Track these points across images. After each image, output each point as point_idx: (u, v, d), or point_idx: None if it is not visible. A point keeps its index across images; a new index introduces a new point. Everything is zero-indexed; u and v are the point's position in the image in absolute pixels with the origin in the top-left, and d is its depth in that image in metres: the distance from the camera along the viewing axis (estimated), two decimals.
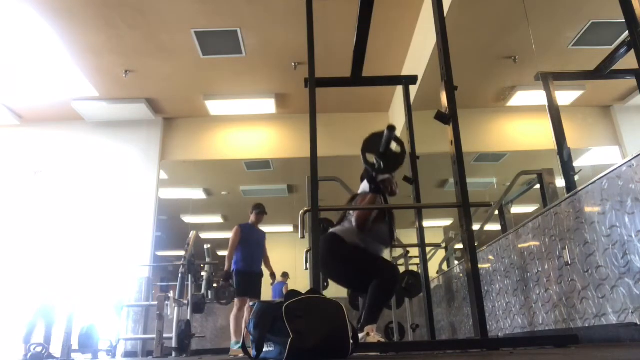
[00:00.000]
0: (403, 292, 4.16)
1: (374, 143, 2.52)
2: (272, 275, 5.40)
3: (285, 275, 6.97)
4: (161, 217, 6.77)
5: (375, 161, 2.54)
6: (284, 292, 6.55)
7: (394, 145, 2.56)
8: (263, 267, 5.30)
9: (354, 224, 2.69)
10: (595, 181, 2.07)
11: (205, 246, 6.08)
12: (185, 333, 4.71)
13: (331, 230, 2.78)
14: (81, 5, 4.72)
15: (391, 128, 2.30)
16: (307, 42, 2.54)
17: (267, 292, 5.59)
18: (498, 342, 2.03)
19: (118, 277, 6.13)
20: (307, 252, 4.17)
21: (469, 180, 2.13)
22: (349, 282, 2.84)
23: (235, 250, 5.06)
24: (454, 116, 2.16)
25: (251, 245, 5.09)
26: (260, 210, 5.25)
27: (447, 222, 7.70)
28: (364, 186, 2.83)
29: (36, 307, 4.74)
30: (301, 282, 6.89)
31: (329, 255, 2.63)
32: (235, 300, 4.93)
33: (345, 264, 2.66)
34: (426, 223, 3.37)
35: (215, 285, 6.00)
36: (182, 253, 5.05)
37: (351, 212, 2.76)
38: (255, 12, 4.93)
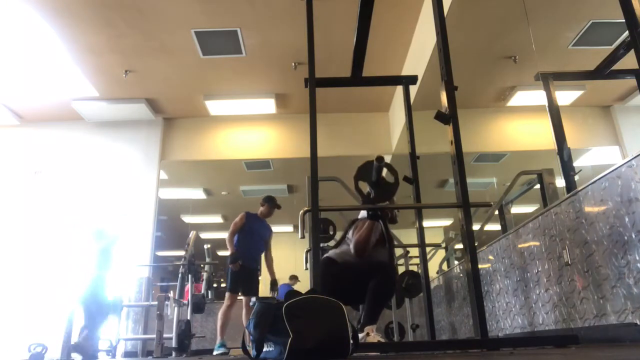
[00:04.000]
0: (403, 292, 4.16)
1: (367, 170, 2.45)
2: (274, 282, 4.78)
3: (293, 277, 6.93)
4: (161, 217, 6.76)
5: (369, 189, 2.51)
6: None
7: (386, 174, 2.52)
8: (263, 267, 4.80)
9: (352, 250, 2.65)
10: (595, 181, 2.07)
11: (205, 246, 6.09)
12: (185, 333, 4.70)
13: (327, 255, 2.74)
14: (81, 5, 4.72)
15: (379, 159, 2.27)
16: (307, 42, 2.54)
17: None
18: (498, 342, 2.03)
19: (118, 277, 6.12)
20: (307, 252, 4.17)
21: (469, 180, 2.13)
22: (347, 299, 2.76)
23: (235, 238, 4.60)
24: (454, 116, 2.16)
25: (253, 237, 4.67)
26: (273, 204, 4.80)
27: (447, 222, 7.70)
28: (364, 212, 2.80)
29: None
30: (301, 282, 6.90)
31: (322, 278, 2.52)
32: (226, 295, 4.50)
33: (339, 281, 2.55)
34: (426, 223, 3.37)
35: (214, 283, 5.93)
36: (182, 253, 5.05)
37: (349, 236, 2.71)
38: (255, 12, 4.93)
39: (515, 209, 4.55)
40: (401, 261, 4.39)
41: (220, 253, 7.29)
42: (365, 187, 2.57)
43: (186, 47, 5.45)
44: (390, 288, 2.60)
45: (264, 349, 1.51)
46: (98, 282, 4.75)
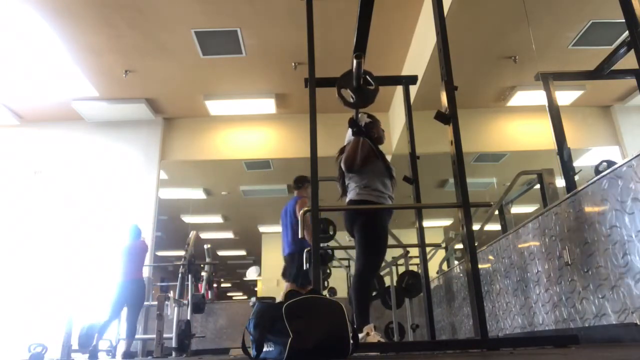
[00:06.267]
0: (403, 292, 4.16)
1: (348, 78, 2.52)
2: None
3: None
4: (161, 217, 6.76)
5: (351, 97, 2.56)
6: None
7: (368, 82, 2.58)
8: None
9: (343, 167, 2.78)
10: (595, 181, 2.07)
11: (205, 246, 6.09)
12: (185, 333, 4.71)
13: (348, 199, 2.84)
14: (81, 5, 4.72)
15: (358, 55, 2.30)
16: (307, 42, 2.55)
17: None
18: (498, 342, 2.03)
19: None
20: (307, 251, 4.16)
21: (469, 180, 2.13)
22: (360, 239, 2.75)
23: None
24: (454, 116, 2.16)
25: None
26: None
27: (447, 222, 7.71)
28: (349, 134, 2.85)
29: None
30: None
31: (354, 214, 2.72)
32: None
33: (369, 220, 2.67)
34: (426, 223, 3.37)
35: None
36: (182, 253, 5.06)
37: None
38: (255, 12, 4.92)
39: (515, 209, 4.55)
40: (401, 261, 4.39)
41: (221, 253, 7.30)
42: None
43: (186, 47, 5.45)
44: (364, 284, 2.62)
45: (264, 349, 1.51)
46: (140, 284, 4.80)
